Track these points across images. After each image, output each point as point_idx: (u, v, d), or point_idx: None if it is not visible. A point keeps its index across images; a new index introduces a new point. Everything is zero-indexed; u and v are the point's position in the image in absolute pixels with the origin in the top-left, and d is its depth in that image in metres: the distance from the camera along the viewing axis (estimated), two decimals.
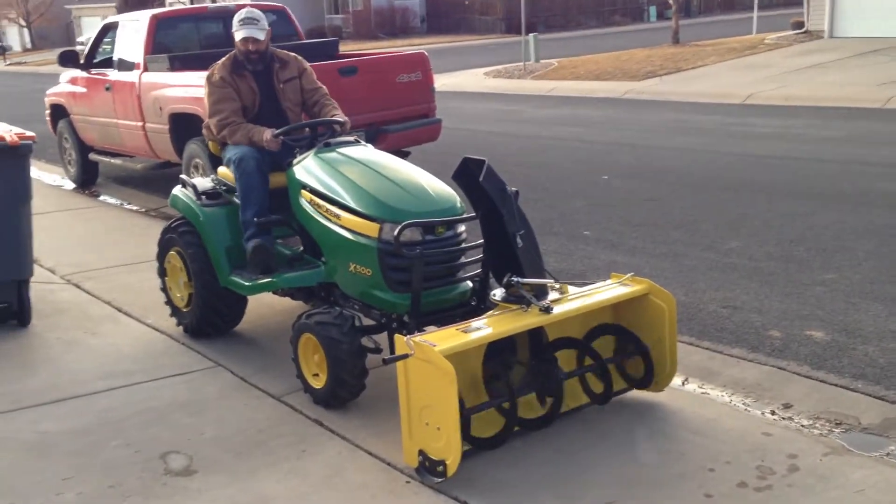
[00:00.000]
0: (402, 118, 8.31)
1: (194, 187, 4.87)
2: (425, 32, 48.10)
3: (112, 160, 9.68)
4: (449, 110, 13.11)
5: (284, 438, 3.74)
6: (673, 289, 5.55)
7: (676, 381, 4.23)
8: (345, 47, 11.89)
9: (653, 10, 50.61)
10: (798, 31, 22.39)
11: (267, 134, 4.57)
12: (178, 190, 5.01)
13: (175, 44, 8.90)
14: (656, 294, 3.88)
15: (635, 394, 4.03)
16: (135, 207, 8.98)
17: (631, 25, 46.31)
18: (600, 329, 3.90)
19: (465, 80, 21.74)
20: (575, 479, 3.33)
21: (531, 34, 23.17)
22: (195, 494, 3.32)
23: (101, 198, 9.55)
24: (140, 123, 8.56)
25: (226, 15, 8.76)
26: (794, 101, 14.17)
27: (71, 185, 10.25)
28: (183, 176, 5.15)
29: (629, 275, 3.94)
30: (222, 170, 4.88)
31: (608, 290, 3.88)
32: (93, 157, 9.88)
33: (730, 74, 17.49)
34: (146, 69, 8.47)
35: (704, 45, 23.17)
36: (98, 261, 6.54)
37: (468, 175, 3.83)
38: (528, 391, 3.67)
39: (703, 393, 4.13)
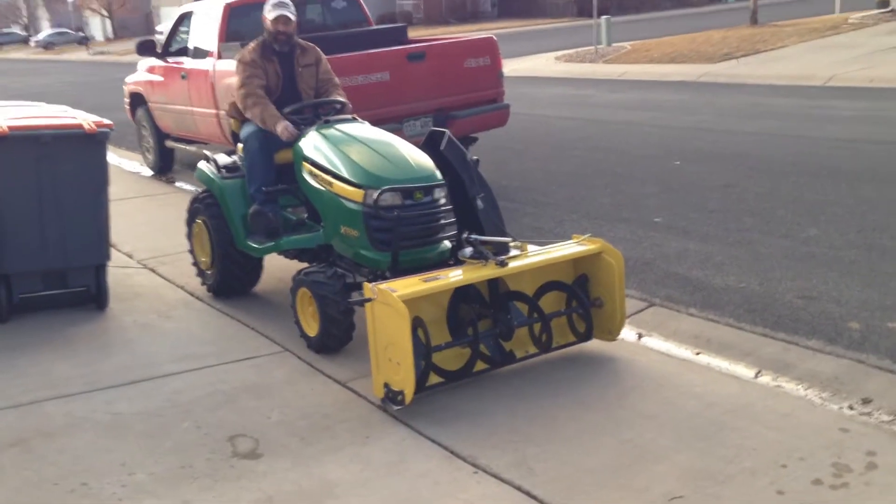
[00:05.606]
0: (471, 103, 8.26)
1: (216, 162, 5.40)
2: (496, 17, 47.89)
3: (187, 147, 9.89)
4: (519, 95, 13.03)
5: (349, 424, 3.77)
6: (747, 277, 5.44)
7: (748, 372, 4.12)
8: (415, 33, 11.87)
9: None
10: (884, 10, 21.52)
11: (280, 126, 4.94)
12: (202, 164, 5.54)
13: (248, 31, 8.99)
14: (608, 252, 4.26)
15: (707, 386, 3.94)
16: None
17: (707, 6, 45.21)
18: (553, 285, 4.29)
19: (536, 64, 21.53)
20: (644, 473, 3.26)
21: (603, 17, 22.80)
22: (260, 477, 3.37)
23: (177, 184, 9.76)
24: (214, 111, 8.70)
25: (297, 2, 8.81)
26: (880, 82, 13.59)
27: (148, 172, 10.51)
28: (206, 151, 5.66)
29: (587, 235, 4.37)
30: (240, 146, 5.32)
31: (563, 249, 4.30)
32: (169, 143, 10.11)
33: (811, 55, 16.90)
34: (220, 57, 8.61)
35: (784, 26, 22.43)
36: (173, 246, 6.68)
37: (434, 146, 4.45)
38: (487, 335, 4.10)
39: (777, 386, 3.99)
